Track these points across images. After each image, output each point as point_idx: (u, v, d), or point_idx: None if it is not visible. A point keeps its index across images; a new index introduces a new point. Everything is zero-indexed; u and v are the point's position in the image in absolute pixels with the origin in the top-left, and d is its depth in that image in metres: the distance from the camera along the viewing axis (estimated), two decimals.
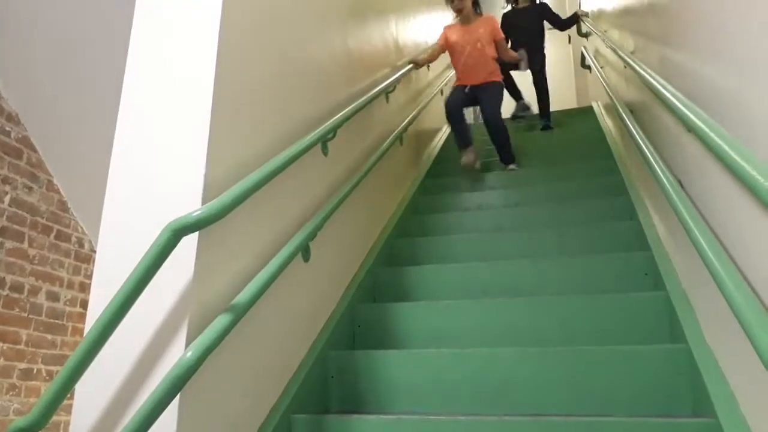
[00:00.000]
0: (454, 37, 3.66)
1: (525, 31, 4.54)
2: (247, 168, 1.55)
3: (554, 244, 2.54)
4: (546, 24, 4.70)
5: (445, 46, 3.72)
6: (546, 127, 4.47)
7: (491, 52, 3.63)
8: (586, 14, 4.50)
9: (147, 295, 1.24)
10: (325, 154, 2.15)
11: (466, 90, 3.60)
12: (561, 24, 4.69)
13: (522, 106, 4.73)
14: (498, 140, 3.54)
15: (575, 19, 4.58)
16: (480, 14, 3.76)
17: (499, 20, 4.27)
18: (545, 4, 4.74)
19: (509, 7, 4.87)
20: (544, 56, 4.62)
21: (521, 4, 4.73)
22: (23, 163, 3.37)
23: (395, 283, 2.47)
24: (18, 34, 3.13)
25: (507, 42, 4.54)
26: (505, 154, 3.58)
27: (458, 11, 3.65)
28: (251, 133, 1.65)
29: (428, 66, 4.12)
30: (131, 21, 1.58)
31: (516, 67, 4.22)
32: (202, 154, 1.40)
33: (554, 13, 4.71)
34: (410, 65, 3.45)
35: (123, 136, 1.50)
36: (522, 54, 3.84)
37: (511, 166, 3.57)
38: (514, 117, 4.67)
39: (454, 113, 3.58)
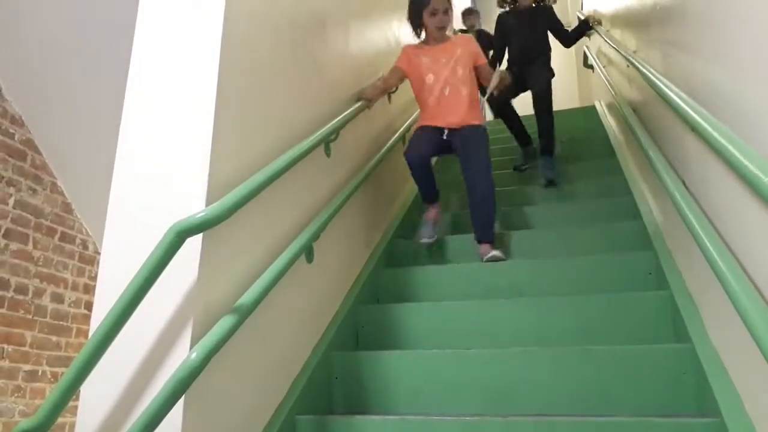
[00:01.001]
0: (422, 58, 2.64)
1: (525, 38, 3.49)
2: (250, 170, 1.56)
3: (557, 244, 2.54)
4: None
5: (407, 71, 2.67)
6: (550, 183, 3.14)
7: (473, 81, 2.68)
8: (599, 21, 3.67)
9: (151, 297, 1.25)
10: (328, 156, 2.16)
11: (444, 135, 2.57)
12: (567, 37, 3.67)
13: (528, 153, 3.56)
14: (481, 210, 2.43)
15: (586, 28, 3.72)
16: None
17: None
18: (550, 8, 3.68)
19: (505, 10, 3.79)
20: (550, 72, 3.44)
21: (522, 4, 3.60)
22: (27, 165, 3.38)
23: (398, 284, 2.47)
24: (22, 36, 3.14)
25: (503, 53, 3.69)
26: (484, 229, 2.44)
27: (440, 29, 2.64)
28: (255, 135, 1.66)
29: None
30: (134, 24, 1.59)
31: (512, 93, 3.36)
32: (206, 156, 1.41)
33: (559, 21, 3.66)
34: (359, 102, 2.46)
35: (127, 137, 1.50)
36: (502, 75, 2.66)
37: (493, 253, 2.38)
38: (517, 168, 3.50)
39: (421, 164, 2.51)
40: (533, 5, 3.61)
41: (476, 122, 2.57)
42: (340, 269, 2.26)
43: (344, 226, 2.30)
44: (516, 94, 3.59)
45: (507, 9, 3.72)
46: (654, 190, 2.37)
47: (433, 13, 2.60)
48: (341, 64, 2.45)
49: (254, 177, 1.51)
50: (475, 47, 2.74)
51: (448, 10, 2.60)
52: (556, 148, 3.33)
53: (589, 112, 4.71)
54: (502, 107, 3.54)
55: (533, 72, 3.37)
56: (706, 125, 1.29)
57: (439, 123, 2.58)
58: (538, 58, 3.47)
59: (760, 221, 1.13)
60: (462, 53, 2.64)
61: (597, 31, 3.56)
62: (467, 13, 5.53)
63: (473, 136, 2.52)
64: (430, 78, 2.61)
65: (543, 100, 3.27)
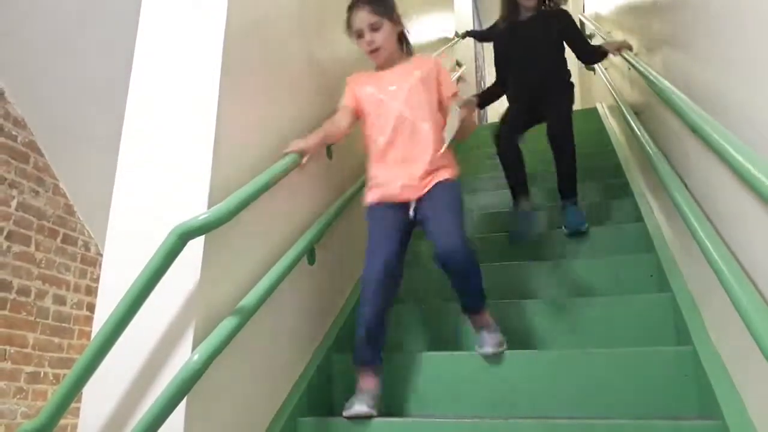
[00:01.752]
0: (367, 88, 1.95)
1: (535, 55, 2.58)
2: (252, 171, 1.56)
3: (556, 246, 2.54)
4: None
5: (356, 110, 1.96)
6: (576, 230, 2.47)
7: (438, 116, 1.91)
8: (627, 46, 2.56)
9: (153, 299, 1.25)
10: (330, 157, 2.16)
11: (411, 212, 1.83)
12: (590, 52, 2.71)
13: (525, 216, 2.59)
14: (462, 285, 1.80)
15: (601, 58, 2.77)
16: (410, 54, 2.07)
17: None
18: (566, 13, 2.67)
19: (500, 21, 2.83)
20: (569, 101, 2.61)
21: (525, 12, 2.64)
22: (30, 168, 3.39)
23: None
24: (24, 38, 3.15)
25: (498, 78, 2.79)
26: (472, 300, 1.82)
27: (372, 52, 1.94)
28: (257, 137, 1.66)
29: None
30: (136, 25, 1.60)
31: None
32: (208, 158, 1.41)
33: (579, 29, 2.72)
34: (286, 158, 1.70)
35: (129, 139, 1.51)
36: (468, 103, 1.90)
37: (491, 347, 1.76)
38: (514, 239, 2.59)
39: (382, 285, 1.74)
40: (543, 8, 2.66)
41: (446, 176, 1.84)
42: (341, 271, 2.26)
43: (346, 228, 2.30)
44: (525, 129, 2.71)
45: (503, 21, 2.77)
46: (656, 192, 2.37)
47: (359, 35, 1.93)
48: (343, 64, 2.45)
49: (256, 179, 1.51)
50: (444, 72, 2.00)
51: (379, 28, 1.90)
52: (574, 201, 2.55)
53: (591, 114, 4.71)
54: (508, 147, 2.58)
55: (550, 102, 2.55)
56: (706, 127, 1.29)
57: (396, 189, 1.83)
58: (556, 82, 2.60)
59: (762, 223, 1.13)
60: (421, 77, 1.91)
61: (624, 57, 2.50)
62: None
63: (438, 194, 1.81)
64: (378, 113, 1.90)
65: (561, 139, 2.49)
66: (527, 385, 1.73)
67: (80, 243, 3.69)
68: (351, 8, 1.94)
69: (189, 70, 1.51)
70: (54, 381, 3.38)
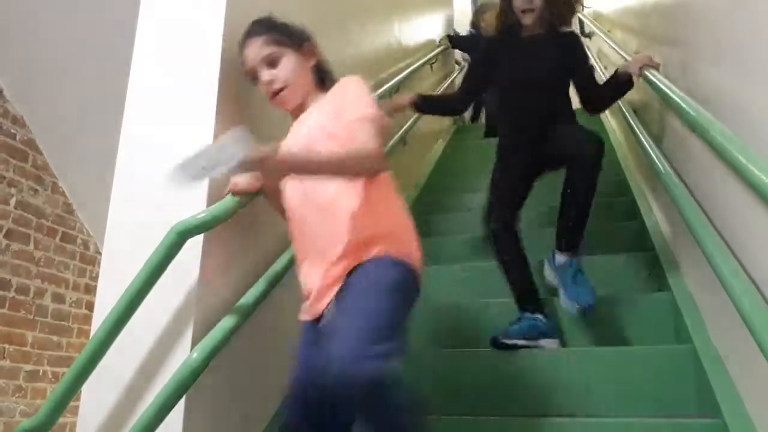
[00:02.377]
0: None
1: (532, 82, 2.04)
2: None
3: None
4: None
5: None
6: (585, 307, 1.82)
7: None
8: (655, 65, 1.87)
9: (152, 297, 1.25)
10: None
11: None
12: (599, 94, 2.10)
13: (530, 328, 1.83)
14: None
15: (628, 87, 2.05)
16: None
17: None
18: (578, 39, 2.16)
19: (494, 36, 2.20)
20: (599, 143, 1.86)
21: (528, 30, 2.05)
22: (29, 166, 3.39)
23: None
24: (23, 37, 3.15)
25: (474, 96, 2.33)
26: None
27: (275, 95, 1.38)
28: (255, 136, 1.65)
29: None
30: (135, 24, 1.59)
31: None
32: None
33: (590, 63, 2.25)
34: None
35: (128, 138, 1.51)
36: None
37: None
38: (499, 342, 1.82)
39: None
40: (548, 29, 2.06)
41: (376, 253, 1.19)
42: None
43: None
44: (524, 199, 2.08)
45: (498, 34, 2.16)
46: (655, 190, 2.37)
47: (252, 76, 1.40)
48: (341, 64, 2.44)
49: None
50: (345, 95, 1.32)
51: (277, 60, 1.37)
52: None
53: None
54: (508, 246, 1.98)
55: (561, 134, 1.96)
56: (707, 126, 1.29)
57: (312, 297, 1.27)
58: (558, 117, 2.03)
59: (761, 222, 1.13)
60: (316, 123, 1.32)
61: (649, 77, 1.83)
62: None
63: (356, 281, 1.17)
64: (283, 186, 1.34)
65: (585, 170, 1.86)
66: (526, 383, 1.73)
67: (79, 241, 3.68)
68: (242, 41, 1.41)
69: (188, 68, 1.50)
70: (53, 379, 3.37)
